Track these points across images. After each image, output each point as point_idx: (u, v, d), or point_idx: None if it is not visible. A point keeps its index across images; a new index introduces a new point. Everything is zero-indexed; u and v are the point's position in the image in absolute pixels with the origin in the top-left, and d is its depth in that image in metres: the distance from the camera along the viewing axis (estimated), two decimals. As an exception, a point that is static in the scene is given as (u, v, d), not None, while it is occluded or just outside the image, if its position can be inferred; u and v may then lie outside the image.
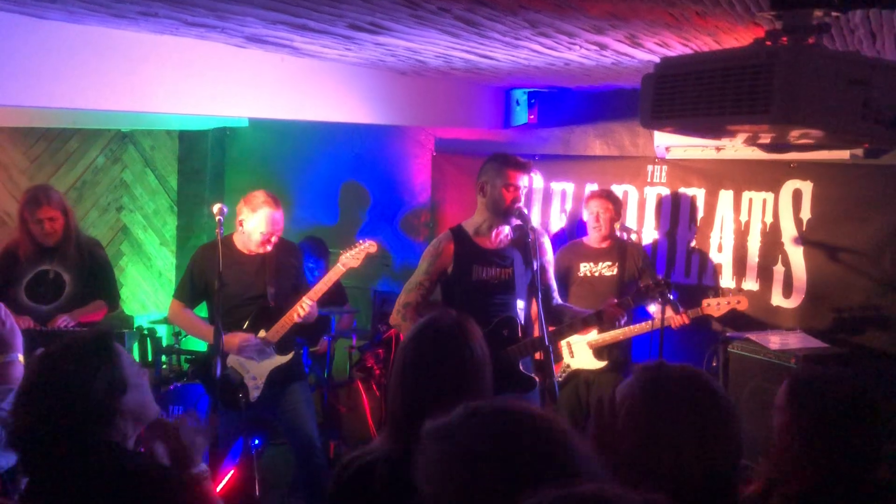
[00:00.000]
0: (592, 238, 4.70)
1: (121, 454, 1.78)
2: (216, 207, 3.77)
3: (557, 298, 3.85)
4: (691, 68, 2.06)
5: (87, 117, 5.93)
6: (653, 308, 4.49)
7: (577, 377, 4.60)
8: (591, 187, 5.37)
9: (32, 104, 3.33)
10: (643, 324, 4.44)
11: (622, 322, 3.84)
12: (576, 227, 5.42)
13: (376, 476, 1.80)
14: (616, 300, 3.76)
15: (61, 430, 1.70)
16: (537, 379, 3.68)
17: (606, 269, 4.62)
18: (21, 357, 2.04)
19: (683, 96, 2.05)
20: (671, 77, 2.11)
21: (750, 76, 1.89)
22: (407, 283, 3.69)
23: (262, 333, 4.00)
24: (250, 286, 3.98)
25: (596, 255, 4.65)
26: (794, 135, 2.41)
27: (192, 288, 4.00)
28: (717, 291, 4.58)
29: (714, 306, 4.38)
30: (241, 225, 3.92)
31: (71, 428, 1.71)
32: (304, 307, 3.95)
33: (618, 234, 4.75)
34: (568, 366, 4.60)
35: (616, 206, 4.70)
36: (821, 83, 1.85)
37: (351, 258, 4.14)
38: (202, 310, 4.24)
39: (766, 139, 2.64)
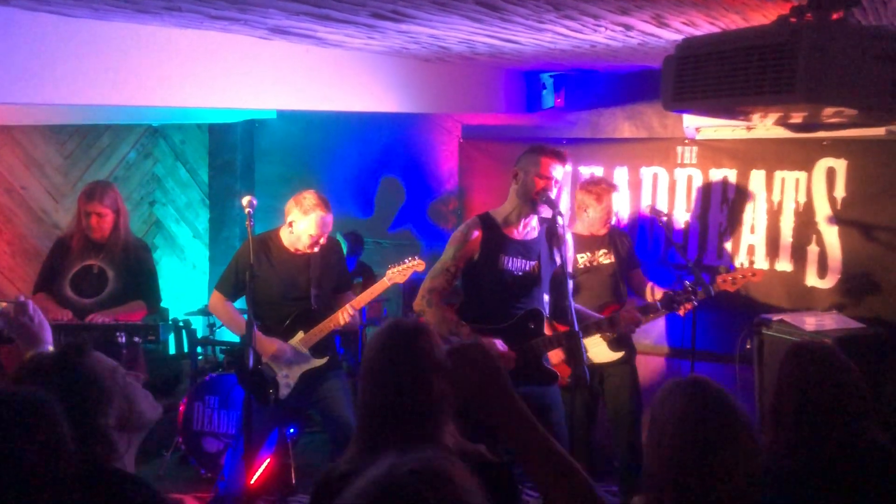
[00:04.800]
0: (588, 227, 4.50)
1: (116, 479, 1.71)
2: (245, 200, 3.79)
3: (570, 298, 3.80)
4: (713, 48, 2.01)
5: (118, 113, 6.01)
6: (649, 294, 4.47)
7: (591, 371, 4.47)
8: (621, 170, 5.32)
9: (61, 101, 3.37)
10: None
11: (640, 325, 3.78)
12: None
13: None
14: (632, 308, 3.74)
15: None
16: (560, 370, 3.68)
17: (603, 257, 4.49)
18: (51, 350, 2.07)
19: (706, 77, 2.01)
20: (693, 58, 2.07)
21: (773, 55, 1.84)
22: (432, 269, 3.69)
23: (300, 335, 4.03)
24: (294, 286, 4.00)
25: (592, 245, 4.48)
26: (827, 113, 2.35)
27: (235, 281, 4.01)
28: (727, 267, 4.49)
29: (729, 282, 4.30)
30: (290, 226, 3.94)
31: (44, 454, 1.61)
32: (346, 316, 3.97)
33: (647, 215, 4.65)
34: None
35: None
36: (847, 60, 1.79)
37: (397, 274, 4.16)
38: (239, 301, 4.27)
39: (797, 118, 2.59)
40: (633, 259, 4.64)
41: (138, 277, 4.43)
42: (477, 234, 3.59)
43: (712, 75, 1.99)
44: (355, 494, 1.14)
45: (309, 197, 3.93)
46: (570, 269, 3.74)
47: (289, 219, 3.94)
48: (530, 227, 3.63)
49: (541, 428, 1.55)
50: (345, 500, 1.16)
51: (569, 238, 3.77)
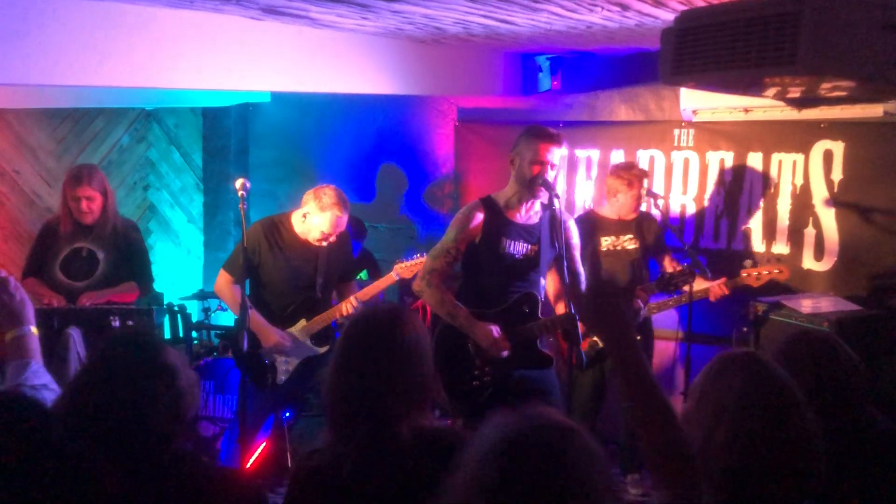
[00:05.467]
0: (615, 211, 4.50)
1: (186, 461, 1.77)
2: (238, 183, 3.75)
3: (584, 286, 3.73)
4: (713, 19, 1.97)
5: (111, 96, 5.95)
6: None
7: (603, 352, 4.40)
8: (617, 153, 5.29)
9: (50, 82, 3.33)
10: (678, 297, 4.33)
11: (643, 311, 3.76)
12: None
13: (325, 477, 1.83)
14: (639, 289, 3.72)
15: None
16: (553, 355, 3.66)
17: (628, 242, 4.48)
18: (34, 329, 2.03)
19: (705, 49, 1.97)
20: (692, 30, 2.02)
21: (775, 25, 1.80)
22: (433, 249, 3.66)
23: (302, 322, 4.01)
24: (301, 273, 3.98)
25: (618, 229, 4.48)
26: (826, 87, 2.32)
27: (243, 263, 3.98)
28: (754, 260, 4.38)
29: (753, 276, 4.24)
30: (304, 217, 3.90)
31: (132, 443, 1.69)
32: (350, 308, 3.95)
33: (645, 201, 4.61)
34: (596, 342, 4.42)
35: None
36: (850, 30, 1.75)
37: (405, 269, 4.14)
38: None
39: (795, 93, 2.55)
40: (662, 245, 4.58)
41: (129, 258, 4.40)
42: (480, 216, 3.56)
43: (712, 47, 1.94)
44: (481, 453, 1.24)
45: (329, 194, 3.86)
46: (577, 255, 3.71)
47: (304, 210, 3.89)
48: (533, 212, 3.60)
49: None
50: (469, 461, 1.25)
51: (571, 225, 3.72)
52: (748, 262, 4.32)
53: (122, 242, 4.37)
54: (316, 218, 3.86)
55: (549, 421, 1.29)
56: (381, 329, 1.88)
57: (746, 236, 4.89)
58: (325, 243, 3.93)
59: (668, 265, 4.57)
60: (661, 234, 4.62)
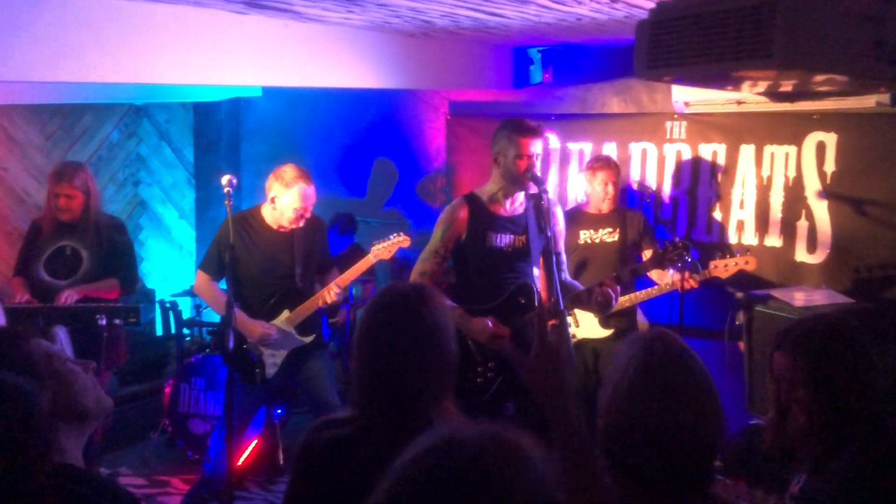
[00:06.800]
0: (593, 205, 4.52)
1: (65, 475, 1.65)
2: (225, 179, 3.74)
3: (566, 273, 3.73)
4: (689, 12, 1.91)
5: (101, 92, 5.91)
6: (655, 275, 4.41)
7: (584, 347, 4.43)
8: (609, 146, 5.25)
9: (36, 78, 3.30)
10: (649, 290, 4.34)
11: (615, 300, 3.73)
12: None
13: (345, 451, 1.77)
14: (608, 279, 3.68)
15: None
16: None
17: (607, 235, 4.48)
18: None
19: (681, 43, 1.91)
20: (667, 22, 1.97)
21: (751, 18, 1.75)
22: (422, 252, 3.64)
23: (285, 314, 3.99)
24: (277, 264, 3.96)
25: (596, 222, 4.49)
26: (817, 80, 2.27)
27: (219, 260, 3.96)
28: (723, 252, 4.37)
29: (721, 268, 4.23)
30: (272, 202, 3.88)
31: None
32: (332, 294, 3.93)
33: (635, 190, 4.57)
34: (573, 335, 4.43)
35: (619, 172, 4.58)
36: (828, 22, 1.70)
37: (383, 250, 4.11)
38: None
39: (787, 87, 2.51)
40: (648, 239, 4.55)
41: (112, 257, 4.38)
42: (463, 213, 3.54)
43: (688, 40, 1.89)
44: (406, 473, 1.00)
45: (289, 170, 3.87)
46: (560, 243, 3.69)
47: (271, 195, 3.89)
48: (518, 203, 3.58)
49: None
50: (394, 476, 1.01)
51: (558, 212, 3.70)
52: (717, 254, 4.31)
53: (106, 241, 4.35)
54: (285, 198, 3.85)
55: (498, 438, 1.01)
56: (408, 305, 1.83)
57: (739, 229, 4.86)
58: (301, 223, 3.91)
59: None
60: (647, 229, 4.59)
